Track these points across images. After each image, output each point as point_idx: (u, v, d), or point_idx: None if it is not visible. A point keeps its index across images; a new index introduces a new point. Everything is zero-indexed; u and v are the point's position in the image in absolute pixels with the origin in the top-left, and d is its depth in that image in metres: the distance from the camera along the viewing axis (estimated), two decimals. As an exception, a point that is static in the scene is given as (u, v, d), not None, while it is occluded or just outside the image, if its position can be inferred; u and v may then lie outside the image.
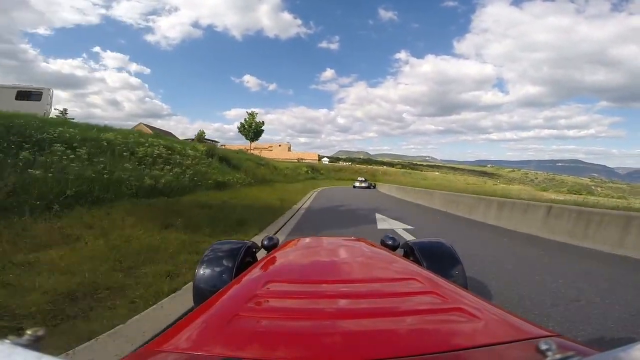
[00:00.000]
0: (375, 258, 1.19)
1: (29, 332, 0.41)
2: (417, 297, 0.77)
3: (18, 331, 0.41)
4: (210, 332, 0.62)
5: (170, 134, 35.25)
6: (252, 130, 45.54)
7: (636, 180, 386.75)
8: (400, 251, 1.55)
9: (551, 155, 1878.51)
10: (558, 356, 0.43)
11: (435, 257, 1.43)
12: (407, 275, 0.94)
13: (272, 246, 1.60)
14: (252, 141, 46.18)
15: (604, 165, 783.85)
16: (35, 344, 0.40)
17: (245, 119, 46.35)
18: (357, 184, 30.87)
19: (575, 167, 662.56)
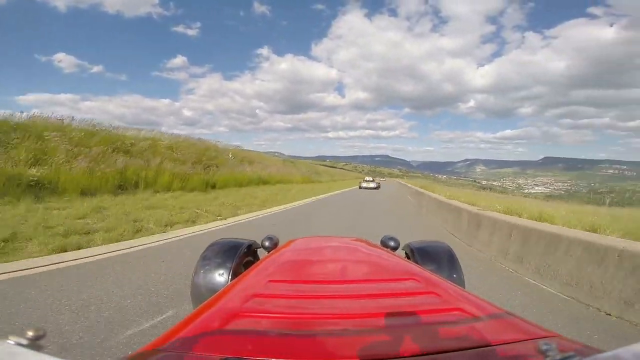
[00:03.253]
0: (376, 258, 1.18)
1: (30, 332, 0.39)
2: (416, 298, 0.77)
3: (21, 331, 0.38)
4: (210, 332, 0.61)
5: None
6: None
7: (423, 170, 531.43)
8: (400, 252, 1.52)
9: (370, 151, 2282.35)
10: (558, 356, 0.42)
11: (435, 258, 1.42)
12: (407, 275, 0.93)
13: (272, 246, 1.57)
14: None
15: (404, 159, 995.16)
16: (37, 345, 0.38)
17: None
18: (364, 184, 26.04)
19: (386, 161, 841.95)
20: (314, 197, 13.98)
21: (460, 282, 1.30)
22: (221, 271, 1.33)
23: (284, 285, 0.86)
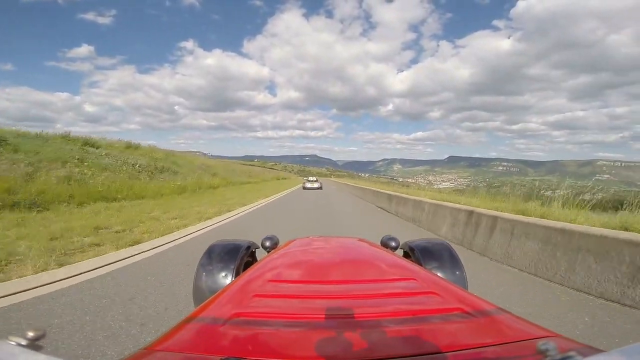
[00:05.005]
0: (376, 258, 1.18)
1: (30, 332, 0.39)
2: (417, 297, 0.77)
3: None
4: (210, 332, 0.62)
5: None
6: None
7: (348, 170, 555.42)
8: (400, 252, 1.53)
9: (299, 151, 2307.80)
10: (558, 356, 0.42)
11: (436, 258, 1.41)
12: (407, 275, 0.93)
13: (272, 246, 1.59)
14: None
15: (330, 159, 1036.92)
16: (36, 345, 0.39)
17: None
18: (308, 184, 26.59)
19: (314, 160, 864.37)
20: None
21: (462, 282, 1.31)
22: (223, 273, 1.33)
23: (284, 285, 0.86)
